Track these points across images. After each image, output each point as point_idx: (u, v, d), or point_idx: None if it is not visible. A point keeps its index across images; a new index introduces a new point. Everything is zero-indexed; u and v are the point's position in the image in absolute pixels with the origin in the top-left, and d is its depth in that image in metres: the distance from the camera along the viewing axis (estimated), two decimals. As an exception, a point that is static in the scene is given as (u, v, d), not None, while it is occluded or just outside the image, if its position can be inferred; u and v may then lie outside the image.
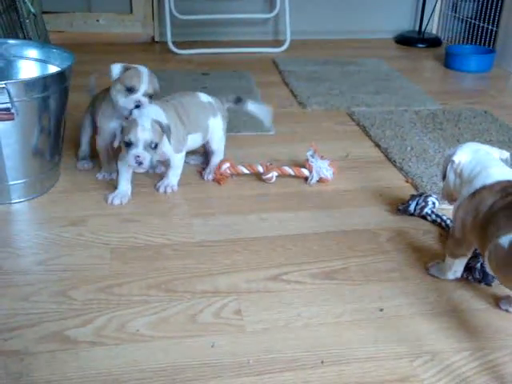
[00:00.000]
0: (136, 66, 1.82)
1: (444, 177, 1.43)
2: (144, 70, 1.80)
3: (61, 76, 1.70)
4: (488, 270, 1.27)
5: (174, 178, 1.85)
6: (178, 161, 1.82)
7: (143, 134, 1.61)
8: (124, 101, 1.75)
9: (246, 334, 1.26)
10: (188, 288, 1.40)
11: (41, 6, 2.99)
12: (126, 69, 1.78)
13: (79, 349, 1.20)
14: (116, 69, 1.78)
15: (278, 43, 3.70)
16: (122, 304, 1.34)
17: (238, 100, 2.01)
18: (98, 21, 3.70)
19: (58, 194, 1.81)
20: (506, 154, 1.37)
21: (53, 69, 1.85)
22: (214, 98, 1.95)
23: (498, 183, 1.25)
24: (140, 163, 1.61)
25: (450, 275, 1.43)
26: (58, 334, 1.24)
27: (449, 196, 1.46)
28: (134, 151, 1.61)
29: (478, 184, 1.28)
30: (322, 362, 1.19)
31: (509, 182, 1.25)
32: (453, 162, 1.38)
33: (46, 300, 1.34)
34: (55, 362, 1.17)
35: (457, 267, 1.42)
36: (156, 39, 3.75)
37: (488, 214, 1.22)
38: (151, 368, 1.16)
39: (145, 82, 1.77)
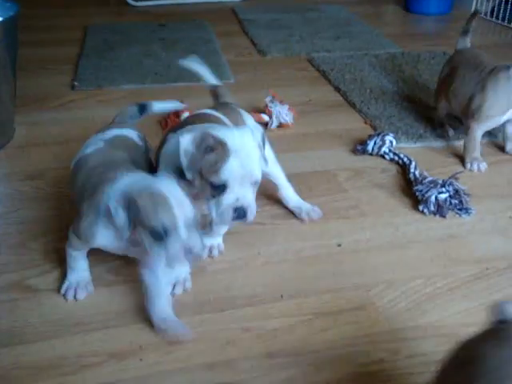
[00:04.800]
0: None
1: None
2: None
3: (6, 26, 1.65)
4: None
5: None
6: None
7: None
8: None
9: (207, 273, 1.28)
10: (149, 234, 1.41)
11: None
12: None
13: (41, 297, 1.21)
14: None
15: (237, -8, 3.63)
16: (82, 252, 1.34)
17: (142, 109, 1.49)
18: (49, -26, 3.57)
19: (14, 149, 1.78)
20: None
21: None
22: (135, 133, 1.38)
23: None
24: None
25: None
26: (20, 284, 1.24)
27: None
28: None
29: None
30: (282, 296, 1.22)
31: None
32: None
33: (6, 252, 1.34)
34: (18, 309, 1.18)
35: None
36: (112, -8, 3.65)
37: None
38: (113, 310, 1.17)
39: None
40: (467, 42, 1.89)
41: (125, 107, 1.49)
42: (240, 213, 1.14)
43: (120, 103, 2.11)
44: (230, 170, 1.11)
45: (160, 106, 1.55)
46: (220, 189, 1.12)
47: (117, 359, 1.07)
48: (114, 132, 1.33)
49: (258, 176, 1.15)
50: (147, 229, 1.02)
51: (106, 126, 1.37)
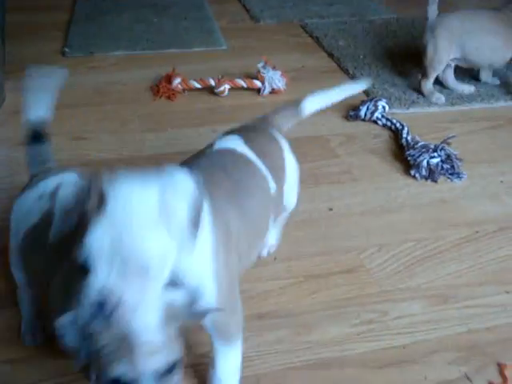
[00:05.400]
0: None
1: None
2: None
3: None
4: None
5: None
6: None
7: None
8: None
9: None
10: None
11: None
12: None
13: (34, 261, 1.22)
14: None
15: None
16: (75, 217, 1.34)
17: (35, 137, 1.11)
18: None
19: (5, 115, 1.76)
20: None
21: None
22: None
23: None
24: None
25: None
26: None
27: None
28: None
29: None
30: (275, 259, 1.23)
31: None
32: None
33: (-2, 218, 1.34)
34: (9, 273, 1.18)
35: None
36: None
37: None
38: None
39: None
40: (436, 10, 1.90)
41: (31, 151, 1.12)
42: (105, 313, 0.65)
43: (111, 70, 2.10)
44: (94, 241, 0.67)
45: None
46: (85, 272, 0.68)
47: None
48: (53, 181, 0.94)
49: (155, 260, 0.67)
50: (101, 373, 0.68)
51: (31, 184, 1.03)
